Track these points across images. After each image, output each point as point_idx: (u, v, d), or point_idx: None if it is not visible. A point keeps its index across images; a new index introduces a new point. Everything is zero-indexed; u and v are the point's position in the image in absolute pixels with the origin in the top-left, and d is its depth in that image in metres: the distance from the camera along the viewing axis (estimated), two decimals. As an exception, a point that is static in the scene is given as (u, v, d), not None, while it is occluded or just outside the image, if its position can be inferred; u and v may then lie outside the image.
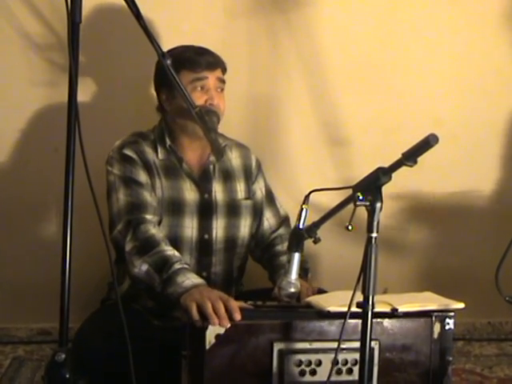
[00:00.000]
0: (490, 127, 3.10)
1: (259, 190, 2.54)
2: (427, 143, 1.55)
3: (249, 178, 2.52)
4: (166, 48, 1.90)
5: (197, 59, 2.32)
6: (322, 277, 2.91)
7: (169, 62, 1.89)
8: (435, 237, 3.12)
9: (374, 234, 1.61)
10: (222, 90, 2.36)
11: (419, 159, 3.02)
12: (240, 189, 2.48)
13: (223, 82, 2.36)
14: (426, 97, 3.08)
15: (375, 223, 1.61)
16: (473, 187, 3.11)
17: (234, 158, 2.51)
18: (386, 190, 2.90)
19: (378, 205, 1.62)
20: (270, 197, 2.59)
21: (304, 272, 2.44)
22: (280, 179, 2.91)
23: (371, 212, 1.62)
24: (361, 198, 1.63)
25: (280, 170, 2.97)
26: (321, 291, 2.29)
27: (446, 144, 3.03)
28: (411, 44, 3.06)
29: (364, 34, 3.00)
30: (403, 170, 2.98)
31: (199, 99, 2.24)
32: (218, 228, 2.40)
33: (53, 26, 2.76)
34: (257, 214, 2.52)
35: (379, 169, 1.66)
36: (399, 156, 1.73)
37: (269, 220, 2.55)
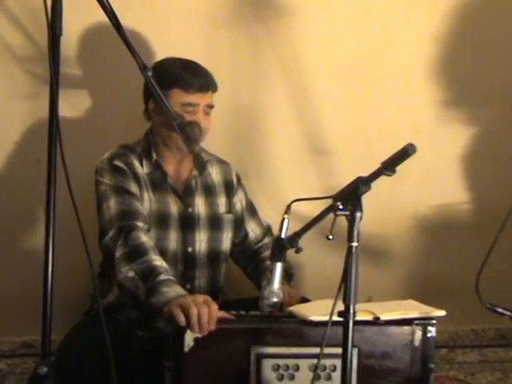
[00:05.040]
0: (470, 138, 3.12)
1: (239, 202, 2.58)
2: (405, 152, 1.57)
3: (230, 193, 2.56)
4: (148, 59, 1.91)
5: (190, 80, 2.34)
6: (306, 286, 2.92)
7: (150, 73, 1.90)
8: (419, 246, 3.13)
9: (355, 244, 1.63)
10: (209, 113, 2.40)
11: (403, 169, 3.07)
12: (221, 203, 2.52)
13: (212, 107, 2.40)
14: (407, 107, 3.10)
15: (355, 232, 1.63)
16: (454, 197, 3.13)
17: (215, 174, 2.55)
18: (371, 199, 2.93)
19: (358, 214, 1.63)
20: (251, 209, 2.62)
21: (289, 277, 2.47)
22: (263, 189, 2.92)
23: (351, 221, 1.63)
24: (341, 207, 1.64)
25: (263, 179, 2.98)
26: (305, 300, 2.30)
27: (427, 154, 3.08)
28: (393, 55, 3.08)
29: (346, 44, 3.02)
30: (387, 179, 3.02)
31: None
32: (202, 241, 2.43)
33: (34, 37, 2.75)
34: (237, 228, 2.55)
35: (359, 178, 1.68)
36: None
37: (254, 231, 2.59)
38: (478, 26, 3.09)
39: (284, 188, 2.97)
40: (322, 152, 3.03)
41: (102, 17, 1.83)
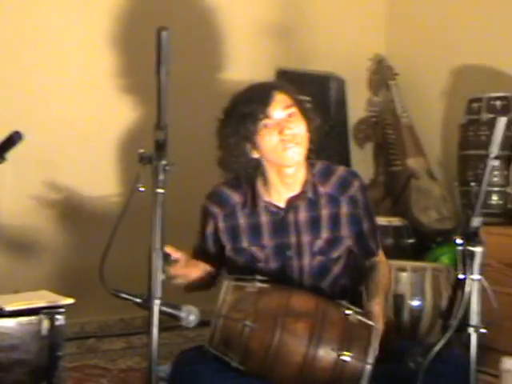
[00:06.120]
0: (123, 130, 3.22)
1: None
2: (11, 140, 1.57)
3: None
4: None
5: None
6: None
7: None
8: (68, 238, 3.15)
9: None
10: None
11: (56, 160, 3.05)
12: None
13: None
14: (58, 99, 3.10)
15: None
16: (105, 189, 3.18)
17: None
18: (19, 190, 2.87)
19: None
20: None
21: None
22: None
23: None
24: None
25: None
26: None
27: (78, 146, 3.12)
28: (44, 44, 3.07)
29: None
30: (38, 169, 2.98)
31: None
32: None
33: None
34: None
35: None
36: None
37: None
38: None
39: None
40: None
41: None
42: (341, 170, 2.21)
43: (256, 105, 2.05)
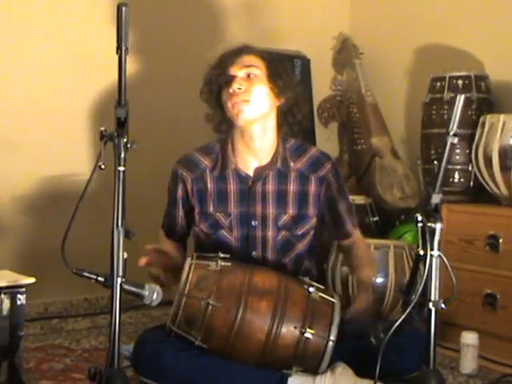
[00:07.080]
0: (82, 110, 3.18)
1: None
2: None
3: None
4: None
5: None
6: None
7: None
8: (30, 217, 3.11)
9: None
10: None
11: (14, 140, 3.01)
12: None
13: None
14: (21, 78, 3.05)
15: None
16: (68, 170, 3.14)
17: None
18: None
19: None
20: None
21: None
22: None
23: None
24: None
25: None
26: None
27: (40, 126, 3.08)
28: (6, 25, 3.02)
29: None
30: (4, 150, 2.94)
31: None
32: None
33: None
34: None
35: None
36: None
37: None
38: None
39: None
40: None
41: None
42: (314, 150, 2.25)
43: (223, 64, 2.12)
